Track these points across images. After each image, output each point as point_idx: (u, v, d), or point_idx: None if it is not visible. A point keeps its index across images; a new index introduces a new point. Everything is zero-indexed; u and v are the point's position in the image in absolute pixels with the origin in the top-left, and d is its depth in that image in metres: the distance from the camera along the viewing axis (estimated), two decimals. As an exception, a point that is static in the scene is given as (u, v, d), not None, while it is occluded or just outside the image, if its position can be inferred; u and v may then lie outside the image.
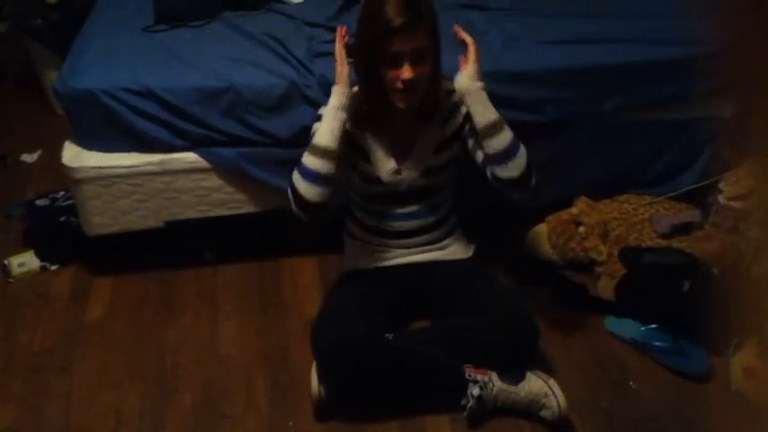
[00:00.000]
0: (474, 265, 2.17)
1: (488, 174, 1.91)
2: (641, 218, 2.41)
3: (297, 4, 2.76)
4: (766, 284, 1.59)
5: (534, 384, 1.91)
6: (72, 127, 2.29)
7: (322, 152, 1.86)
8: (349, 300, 2.05)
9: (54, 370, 2.12)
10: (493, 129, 1.86)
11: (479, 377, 1.91)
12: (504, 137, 1.85)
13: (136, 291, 2.39)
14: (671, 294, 2.14)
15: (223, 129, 2.25)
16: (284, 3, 2.76)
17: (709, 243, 2.29)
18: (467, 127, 1.97)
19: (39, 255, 2.51)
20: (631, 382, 2.06)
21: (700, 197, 2.48)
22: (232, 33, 2.53)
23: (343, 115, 1.88)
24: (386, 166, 2.01)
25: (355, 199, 2.14)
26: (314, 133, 1.90)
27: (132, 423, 1.95)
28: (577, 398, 1.97)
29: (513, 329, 1.95)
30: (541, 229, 2.42)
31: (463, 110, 1.96)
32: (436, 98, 1.96)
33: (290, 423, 1.95)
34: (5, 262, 2.48)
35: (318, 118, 1.92)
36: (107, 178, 2.25)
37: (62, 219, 2.59)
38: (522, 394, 1.91)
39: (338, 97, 1.88)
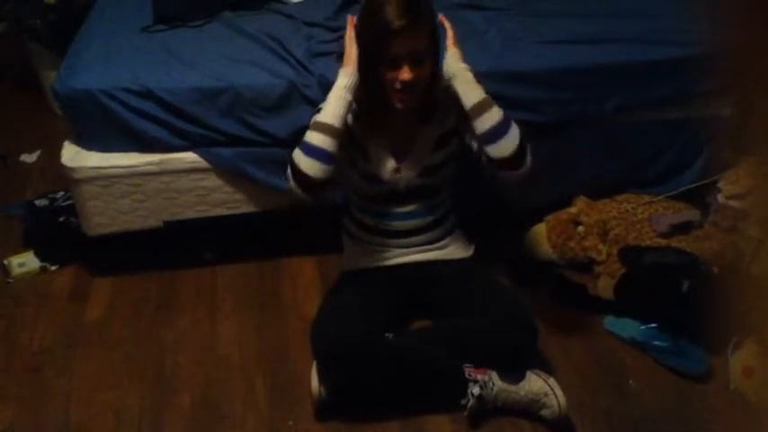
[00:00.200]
0: (473, 265, 2.17)
1: (483, 159, 1.90)
2: (640, 217, 2.41)
3: (296, 3, 2.76)
4: (765, 284, 1.60)
5: (534, 384, 1.91)
6: (71, 127, 2.29)
7: (326, 129, 1.85)
8: (349, 300, 2.05)
9: (53, 370, 2.12)
10: (481, 107, 1.85)
11: (479, 377, 1.91)
12: (494, 115, 1.85)
13: (135, 291, 2.39)
14: (670, 294, 2.14)
15: (222, 129, 2.25)
16: (283, 2, 2.76)
17: (708, 242, 2.29)
18: (461, 118, 1.97)
19: (38, 255, 2.51)
20: (631, 382, 2.06)
21: (699, 196, 2.48)
22: (231, 33, 2.53)
23: (349, 96, 1.87)
24: (385, 165, 2.01)
25: (354, 199, 2.14)
26: (318, 111, 1.90)
27: (132, 423, 1.95)
28: (577, 397, 1.98)
29: (513, 329, 1.95)
30: (540, 228, 2.42)
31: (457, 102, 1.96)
32: (435, 99, 1.96)
33: (290, 423, 1.95)
34: (5, 262, 2.48)
35: (318, 112, 1.92)
36: (106, 178, 2.25)
37: (62, 219, 2.58)
38: (523, 393, 1.91)
39: (346, 78, 1.88)
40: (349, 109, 1.89)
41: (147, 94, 2.20)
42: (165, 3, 2.59)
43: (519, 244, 2.46)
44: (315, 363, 1.95)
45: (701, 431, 1.93)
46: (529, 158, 1.88)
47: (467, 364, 1.94)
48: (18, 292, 2.41)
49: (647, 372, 2.09)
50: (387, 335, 2.00)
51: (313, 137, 1.85)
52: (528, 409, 1.93)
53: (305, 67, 2.27)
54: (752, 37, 0.96)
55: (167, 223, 2.36)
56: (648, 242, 2.34)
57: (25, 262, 2.48)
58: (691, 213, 2.39)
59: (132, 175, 2.26)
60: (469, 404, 1.89)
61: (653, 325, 2.15)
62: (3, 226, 2.70)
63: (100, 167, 2.24)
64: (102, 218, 2.32)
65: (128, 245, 2.43)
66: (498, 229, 2.43)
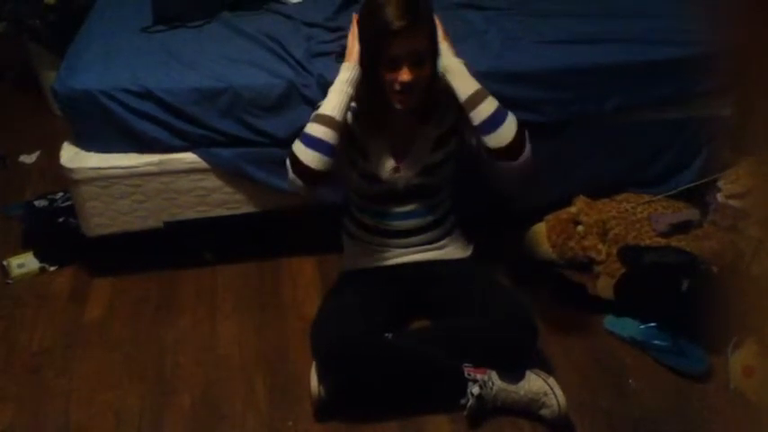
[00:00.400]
0: (473, 265, 2.17)
1: (483, 151, 1.90)
2: (640, 217, 2.41)
3: (295, 4, 2.76)
4: (765, 283, 1.60)
5: (534, 383, 1.91)
6: (71, 128, 2.29)
7: (327, 121, 1.85)
8: (348, 300, 2.05)
9: (53, 370, 2.12)
10: (476, 98, 1.85)
11: (479, 376, 1.91)
12: (489, 105, 1.85)
13: (135, 291, 2.39)
14: (670, 293, 2.15)
15: (222, 129, 2.25)
16: (282, 3, 2.76)
17: (708, 242, 2.29)
18: (459, 114, 1.96)
19: (38, 255, 2.51)
20: (630, 381, 2.06)
21: (698, 196, 2.48)
22: (230, 34, 2.53)
23: (350, 89, 1.87)
24: (385, 164, 2.01)
25: (354, 198, 2.14)
26: (318, 106, 1.90)
27: (132, 423, 1.95)
28: (577, 397, 1.98)
29: (513, 329, 1.95)
30: (540, 228, 2.42)
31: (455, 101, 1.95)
32: (435, 99, 1.96)
33: (290, 423, 1.95)
34: (4, 263, 2.48)
35: (318, 107, 1.92)
36: (106, 179, 2.25)
37: (61, 219, 2.59)
38: (522, 393, 1.91)
39: (348, 72, 1.88)
40: (350, 102, 1.89)
41: (146, 95, 2.20)
42: (165, 3, 2.59)
43: (519, 243, 2.46)
44: (314, 363, 1.95)
45: (701, 431, 1.93)
46: (528, 146, 1.88)
47: (466, 364, 1.94)
48: (17, 292, 2.41)
49: (647, 371, 2.09)
50: (386, 335, 2.00)
51: (314, 128, 1.85)
52: (527, 409, 1.93)
53: (304, 68, 2.27)
54: (752, 37, 0.96)
55: (167, 224, 2.36)
56: (648, 241, 2.34)
57: (24, 263, 2.48)
58: (690, 213, 2.39)
59: (132, 175, 2.26)
60: (469, 404, 1.89)
61: (652, 324, 2.15)
62: (2, 226, 2.70)
63: (99, 168, 2.24)
64: (101, 218, 2.32)
65: (127, 245, 2.43)
66: (498, 228, 2.43)
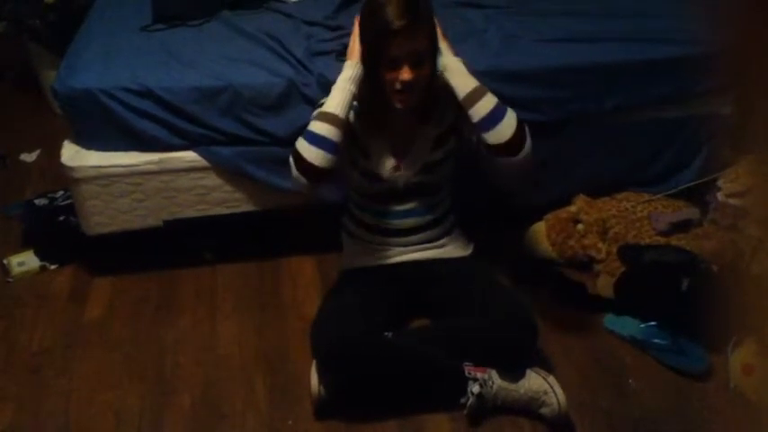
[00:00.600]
0: (473, 264, 2.17)
1: (483, 148, 1.90)
2: (640, 215, 2.41)
3: (295, 2, 2.76)
4: (765, 282, 1.60)
5: (534, 382, 1.92)
6: (71, 126, 2.29)
7: (330, 119, 1.84)
8: (348, 299, 2.05)
9: (53, 370, 2.12)
10: (474, 95, 1.85)
11: (479, 375, 1.92)
12: (487, 102, 1.85)
13: (135, 290, 2.39)
14: (670, 292, 2.14)
15: (222, 128, 2.25)
16: (282, 1, 2.76)
17: (707, 241, 2.29)
18: (458, 112, 1.96)
19: (38, 254, 2.51)
20: (630, 380, 2.06)
21: (698, 195, 2.48)
22: (230, 32, 2.53)
23: (353, 87, 1.87)
24: (385, 163, 2.02)
25: (354, 197, 2.14)
26: (321, 104, 1.90)
27: (132, 423, 1.95)
28: (577, 396, 1.98)
29: (513, 329, 1.95)
30: (540, 227, 2.42)
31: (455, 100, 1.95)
32: (435, 98, 1.96)
33: (290, 422, 1.95)
34: (5, 261, 2.48)
35: (320, 106, 1.92)
36: (106, 177, 2.25)
37: (61, 218, 2.59)
38: (522, 392, 1.91)
39: (350, 70, 1.88)
40: (353, 100, 1.89)
41: (146, 94, 2.20)
42: (165, 2, 2.59)
43: (518, 242, 2.46)
44: (314, 362, 1.95)
45: (701, 430, 1.93)
46: (528, 142, 1.87)
47: (466, 363, 1.94)
48: (17, 291, 2.41)
49: (647, 370, 2.09)
50: (386, 334, 2.00)
51: (317, 126, 1.85)
52: (527, 408, 1.93)
53: (304, 66, 2.27)
54: (752, 36, 0.96)
55: (167, 223, 2.36)
56: (648, 240, 2.34)
57: (25, 261, 2.48)
58: (690, 212, 2.39)
59: (132, 174, 2.26)
60: (469, 402, 1.89)
61: (652, 323, 2.15)
62: (2, 225, 2.70)
63: (99, 167, 2.24)
64: (101, 217, 2.32)
65: (127, 244, 2.43)
66: (498, 227, 2.43)
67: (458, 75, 1.87)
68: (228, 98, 2.22)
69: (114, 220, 2.33)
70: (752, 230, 2.24)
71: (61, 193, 2.71)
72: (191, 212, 2.36)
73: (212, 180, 2.32)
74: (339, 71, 1.91)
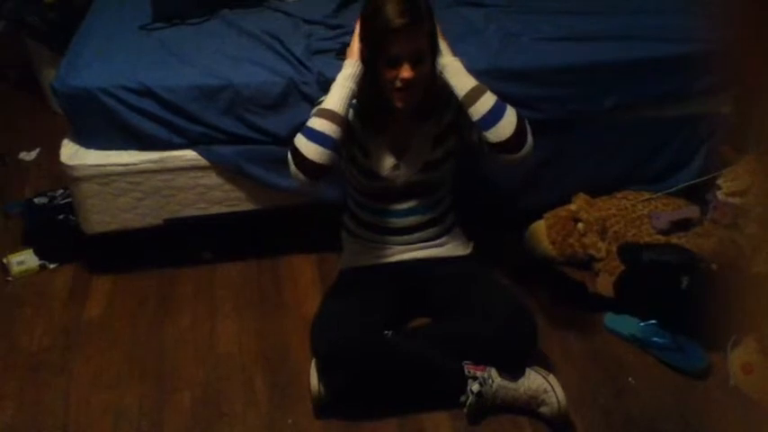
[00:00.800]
0: (472, 263, 2.17)
1: (485, 147, 1.89)
2: (639, 214, 2.41)
3: (295, 1, 2.76)
4: (765, 281, 1.60)
5: (534, 381, 1.92)
6: (70, 125, 2.29)
7: (329, 115, 1.84)
8: (348, 298, 2.05)
9: (53, 368, 2.12)
10: (474, 94, 1.85)
11: (479, 373, 1.91)
12: (487, 100, 1.85)
13: (135, 289, 2.39)
14: (669, 291, 2.15)
15: (221, 127, 2.25)
16: (282, 0, 2.76)
17: (707, 239, 2.29)
18: (459, 111, 1.96)
19: (37, 253, 2.50)
20: (630, 379, 2.07)
21: (698, 193, 2.48)
22: (230, 31, 2.53)
23: (352, 85, 1.87)
24: (385, 161, 2.01)
25: (354, 196, 2.14)
26: (320, 103, 1.90)
27: (131, 422, 1.95)
28: (576, 394, 1.98)
29: (513, 329, 1.95)
30: (540, 226, 2.42)
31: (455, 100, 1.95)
32: (434, 97, 1.96)
33: (290, 421, 1.95)
34: (4, 260, 2.48)
35: (320, 103, 1.92)
36: (105, 176, 2.25)
37: (61, 217, 2.58)
38: (522, 390, 1.91)
39: (350, 68, 1.88)
40: (352, 98, 1.89)
41: (146, 92, 2.20)
42: (164, 1, 2.59)
43: (518, 241, 2.46)
44: (314, 361, 1.95)
45: (701, 428, 1.93)
46: (530, 138, 1.87)
47: (466, 361, 1.94)
48: (17, 290, 2.41)
49: (647, 369, 2.09)
50: (386, 333, 2.00)
51: (316, 122, 1.85)
52: (527, 406, 1.93)
53: (304, 65, 2.27)
54: (752, 35, 0.96)
55: (167, 222, 2.36)
56: (648, 239, 2.34)
57: (24, 260, 2.48)
58: (690, 210, 2.39)
59: (131, 172, 2.26)
60: (469, 401, 1.89)
61: (652, 322, 2.15)
62: (1, 224, 2.70)
63: (99, 165, 2.24)
64: (101, 216, 2.32)
65: (127, 244, 2.43)
66: (498, 226, 2.43)
67: (457, 74, 1.87)
68: (228, 97, 2.22)
69: (114, 219, 2.33)
70: (752, 229, 2.24)
71: (61, 191, 2.71)
72: (190, 211, 2.36)
73: (212, 179, 2.31)
74: (339, 70, 1.91)
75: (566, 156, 2.44)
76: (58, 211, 2.61)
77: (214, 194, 2.34)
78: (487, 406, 1.92)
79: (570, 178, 2.49)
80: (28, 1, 3.16)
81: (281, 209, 2.40)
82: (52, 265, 2.50)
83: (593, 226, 2.38)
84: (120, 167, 2.25)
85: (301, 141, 1.84)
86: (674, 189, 2.49)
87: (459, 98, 1.86)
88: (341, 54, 2.28)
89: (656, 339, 2.11)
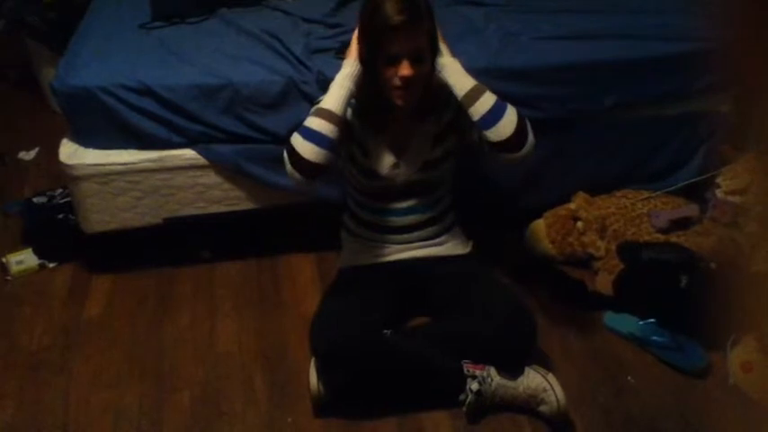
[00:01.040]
0: (472, 262, 2.17)
1: (486, 147, 1.89)
2: (639, 213, 2.41)
3: (293, 0, 2.75)
4: (764, 280, 1.60)
5: (533, 379, 1.92)
6: (69, 124, 2.29)
7: (326, 115, 1.84)
8: (347, 297, 2.05)
9: (52, 368, 2.12)
10: (473, 94, 1.85)
11: (478, 372, 1.91)
12: (487, 99, 1.84)
13: (134, 289, 2.39)
14: (669, 289, 2.15)
15: (221, 126, 2.25)
16: (282, -1, 2.76)
17: (707, 238, 2.29)
18: (459, 111, 1.96)
19: (37, 252, 2.50)
20: (630, 378, 2.07)
21: (698, 192, 2.48)
22: (229, 30, 2.52)
23: (351, 84, 1.87)
24: (384, 160, 2.01)
25: (354, 195, 2.14)
26: (318, 102, 1.90)
27: (131, 421, 1.95)
28: (576, 393, 1.98)
29: (513, 328, 1.95)
30: (539, 224, 2.42)
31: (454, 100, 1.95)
32: (434, 96, 1.96)
33: (289, 420, 1.95)
34: (3, 260, 2.48)
35: (318, 102, 1.92)
36: (105, 175, 2.25)
37: (60, 216, 2.58)
38: (521, 389, 1.91)
39: (348, 67, 1.88)
40: (350, 98, 1.88)
41: (145, 91, 2.20)
42: (163, 0, 2.59)
43: (518, 240, 2.46)
44: (313, 360, 1.95)
45: (700, 427, 1.93)
46: (531, 137, 1.86)
47: (465, 360, 1.94)
48: (16, 290, 2.41)
49: (646, 368, 2.09)
50: (385, 332, 2.00)
51: (313, 122, 1.85)
52: (526, 405, 1.93)
53: (303, 64, 2.26)
54: (752, 35, 0.96)
55: (166, 221, 2.36)
56: (647, 238, 2.34)
57: (24, 259, 2.48)
58: (689, 209, 2.39)
59: (130, 171, 2.26)
60: (468, 400, 1.89)
61: (652, 321, 2.15)
62: (1, 223, 2.70)
63: (98, 164, 2.24)
64: (100, 215, 2.32)
65: (126, 243, 2.43)
66: (497, 225, 2.43)
67: (456, 74, 1.87)
68: (227, 96, 2.22)
69: (113, 218, 2.33)
70: (751, 228, 2.24)
71: (60, 191, 2.71)
72: (189, 210, 2.36)
73: (211, 178, 2.31)
74: (338, 69, 1.91)
75: (565, 155, 2.44)
76: (58, 211, 2.61)
77: (213, 193, 2.34)
78: (487, 405, 1.92)
79: (570, 177, 2.49)
80: (27, 1, 3.15)
81: (280, 208, 2.40)
82: (51, 265, 2.50)
83: (592, 225, 2.38)
84: (119, 166, 2.25)
85: (298, 140, 1.84)
86: (673, 188, 2.49)
87: (459, 98, 1.86)
88: (340, 53, 2.27)
89: (655, 338, 2.12)
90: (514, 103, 1.88)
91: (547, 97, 2.33)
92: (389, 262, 2.13)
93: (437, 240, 2.15)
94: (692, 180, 2.50)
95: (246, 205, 2.39)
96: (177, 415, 1.97)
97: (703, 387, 2.03)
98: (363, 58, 1.87)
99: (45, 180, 2.89)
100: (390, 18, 1.75)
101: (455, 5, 2.65)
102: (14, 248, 2.53)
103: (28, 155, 3.13)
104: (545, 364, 2.02)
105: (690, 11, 2.49)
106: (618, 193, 2.50)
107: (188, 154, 2.27)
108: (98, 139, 2.26)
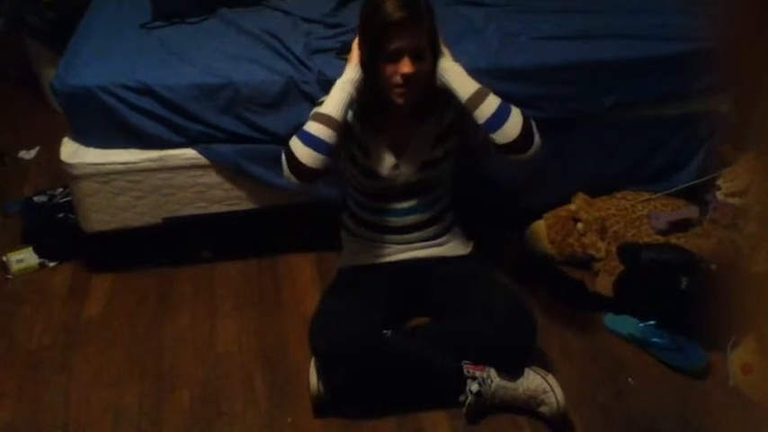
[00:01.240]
0: (472, 262, 2.17)
1: (492, 149, 1.89)
2: (639, 214, 2.41)
3: (293, 0, 2.75)
4: (764, 281, 1.60)
5: (533, 381, 1.92)
6: (70, 124, 2.29)
7: (325, 120, 1.84)
8: (347, 297, 2.05)
9: (52, 367, 2.11)
10: (477, 98, 1.85)
11: (478, 373, 1.91)
12: (491, 102, 1.85)
13: (134, 288, 2.39)
14: (669, 291, 2.15)
15: (221, 125, 2.25)
16: (282, -1, 2.76)
17: (706, 240, 2.29)
18: (462, 114, 1.96)
19: (37, 251, 2.50)
20: (630, 379, 2.06)
21: (698, 194, 2.47)
22: (229, 30, 2.53)
23: (351, 89, 1.87)
24: (385, 161, 2.01)
25: (354, 195, 2.14)
26: (319, 103, 1.90)
27: (131, 420, 1.95)
28: (576, 394, 1.98)
29: (513, 329, 1.95)
30: (539, 225, 2.42)
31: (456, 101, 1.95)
32: (434, 96, 1.96)
33: (289, 419, 1.95)
34: (4, 258, 2.48)
35: (320, 105, 1.92)
36: (105, 175, 2.25)
37: (60, 215, 2.58)
38: (521, 390, 1.91)
39: (350, 72, 1.88)
40: (351, 103, 1.88)
41: (145, 91, 2.20)
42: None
43: (518, 241, 2.46)
44: (313, 360, 1.95)
45: (700, 428, 1.93)
46: (537, 137, 1.86)
47: (465, 361, 1.94)
48: (16, 288, 2.41)
49: (646, 369, 2.09)
50: (385, 332, 2.00)
51: (312, 126, 1.85)
52: (526, 406, 1.93)
53: (303, 64, 2.27)
54: (752, 35, 0.96)
55: (166, 221, 2.36)
56: (647, 239, 2.34)
57: (24, 258, 2.48)
58: (689, 210, 2.39)
59: (131, 171, 2.26)
60: (467, 401, 1.89)
61: (652, 322, 2.15)
62: (1, 223, 2.70)
63: (98, 164, 2.24)
64: (100, 214, 2.32)
65: (126, 242, 2.43)
66: (498, 225, 2.43)
67: (458, 78, 1.87)
68: (228, 96, 2.22)
69: (113, 218, 2.33)
70: (751, 228, 2.24)
71: (60, 190, 2.71)
72: (189, 210, 2.36)
73: (211, 178, 2.31)
74: (338, 69, 1.91)
75: (565, 155, 2.44)
76: (58, 210, 2.61)
77: (213, 193, 2.34)
78: (486, 406, 1.92)
79: (570, 177, 2.49)
80: (27, 0, 3.16)
81: (280, 208, 2.40)
82: (52, 264, 2.50)
83: (592, 226, 2.38)
84: (119, 166, 2.25)
85: (296, 145, 1.84)
86: (673, 189, 2.49)
87: (462, 102, 1.86)
88: (340, 53, 2.28)
89: (655, 339, 2.11)
90: (514, 103, 1.88)
91: (547, 97, 2.33)
92: (389, 262, 2.13)
93: (437, 241, 2.15)
94: (692, 182, 2.50)
95: (246, 205, 2.39)
96: (177, 415, 1.97)
97: (703, 388, 2.03)
98: (364, 62, 1.87)
99: (45, 179, 2.90)
100: (390, 15, 1.76)
101: (455, 5, 2.66)
102: (15, 247, 2.53)
103: (28, 154, 3.13)
104: (545, 364, 2.02)
105: (690, 11, 2.49)
106: (618, 194, 2.50)
107: (188, 154, 2.27)
108: (98, 138, 2.26)
